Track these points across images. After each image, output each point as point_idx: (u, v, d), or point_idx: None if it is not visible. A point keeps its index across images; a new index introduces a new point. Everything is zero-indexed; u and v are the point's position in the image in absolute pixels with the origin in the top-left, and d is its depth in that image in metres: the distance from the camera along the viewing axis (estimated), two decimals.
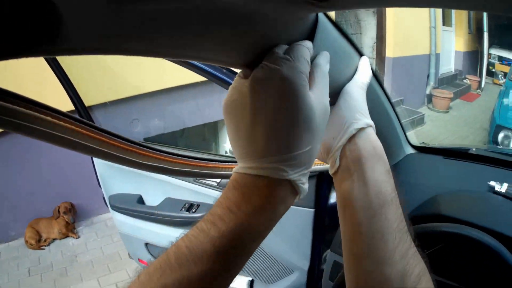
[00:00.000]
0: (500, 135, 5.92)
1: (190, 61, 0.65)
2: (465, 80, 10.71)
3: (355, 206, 0.64)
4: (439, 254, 1.15)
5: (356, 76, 0.79)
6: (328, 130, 0.69)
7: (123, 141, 0.71)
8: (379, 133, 1.27)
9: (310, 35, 0.65)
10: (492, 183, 1.42)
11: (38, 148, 4.39)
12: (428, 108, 9.17)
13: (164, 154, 0.83)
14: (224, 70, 1.59)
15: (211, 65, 1.56)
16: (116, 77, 4.28)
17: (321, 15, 0.66)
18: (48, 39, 0.42)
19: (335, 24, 0.74)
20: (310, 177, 1.57)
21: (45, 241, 4.62)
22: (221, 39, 0.57)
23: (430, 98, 9.27)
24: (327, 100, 0.60)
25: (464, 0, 0.47)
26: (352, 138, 0.68)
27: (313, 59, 0.63)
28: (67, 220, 4.63)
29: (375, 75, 1.08)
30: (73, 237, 4.71)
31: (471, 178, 1.58)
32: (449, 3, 0.49)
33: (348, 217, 0.66)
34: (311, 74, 0.60)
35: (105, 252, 4.45)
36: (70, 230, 4.71)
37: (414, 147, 1.71)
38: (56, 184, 4.70)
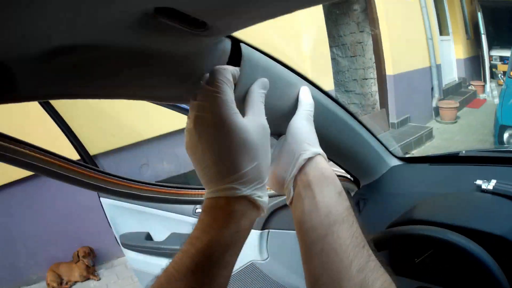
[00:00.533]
0: (506, 135, 5.89)
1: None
2: (470, 87, 10.65)
3: (307, 228, 0.69)
4: (422, 259, 1.18)
5: (299, 108, 0.84)
6: (279, 165, 0.78)
7: (89, 170, 0.80)
8: (351, 153, 1.30)
9: (234, 64, 0.71)
10: (478, 181, 1.38)
11: (53, 195, 4.50)
12: (436, 121, 9.01)
13: (133, 182, 0.92)
14: None
15: None
16: (120, 123, 4.34)
17: (243, 46, 0.73)
18: (6, 91, 0.54)
19: (264, 53, 0.80)
20: None
21: (66, 283, 4.68)
22: (141, 78, 0.67)
23: (437, 110, 9.11)
24: (263, 119, 0.68)
25: None
26: (302, 168, 0.74)
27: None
28: (86, 263, 4.69)
29: (331, 98, 1.11)
30: (94, 279, 4.77)
31: (458, 180, 1.54)
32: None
33: (302, 239, 0.70)
34: (246, 98, 0.70)
35: None
36: (91, 273, 4.77)
37: (399, 158, 1.68)
38: (73, 229, 4.78)
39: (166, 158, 5.02)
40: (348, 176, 1.58)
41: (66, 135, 2.11)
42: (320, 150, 0.77)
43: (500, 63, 10.59)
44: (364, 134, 1.36)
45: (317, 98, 0.93)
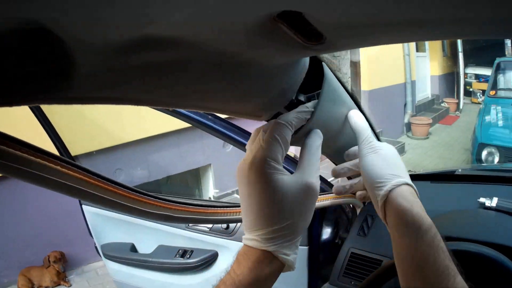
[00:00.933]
0: (484, 153, 6.01)
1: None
2: (442, 104, 10.84)
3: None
4: None
5: (361, 138, 0.83)
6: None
7: (128, 190, 0.72)
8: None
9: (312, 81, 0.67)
10: (482, 199, 1.47)
11: (26, 196, 4.39)
12: (408, 136, 9.23)
13: (167, 202, 0.85)
14: (210, 117, 1.61)
15: (196, 112, 1.58)
16: (97, 126, 4.29)
17: (325, 66, 0.70)
18: (57, 86, 0.43)
19: (335, 74, 0.77)
20: None
21: None
22: (218, 89, 0.60)
23: (409, 126, 9.34)
24: (312, 178, 0.66)
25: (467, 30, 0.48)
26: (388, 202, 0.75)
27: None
28: (57, 269, 4.60)
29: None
30: (65, 286, 4.68)
31: (460, 198, 1.61)
32: (449, 34, 0.50)
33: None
34: (301, 151, 0.70)
35: None
36: (61, 278, 4.68)
37: None
38: (46, 233, 4.68)
39: (140, 164, 4.96)
40: None
41: (49, 134, 2.03)
42: (400, 181, 0.76)
43: (475, 81, 10.81)
44: None
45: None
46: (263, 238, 0.62)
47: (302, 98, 0.76)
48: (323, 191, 1.59)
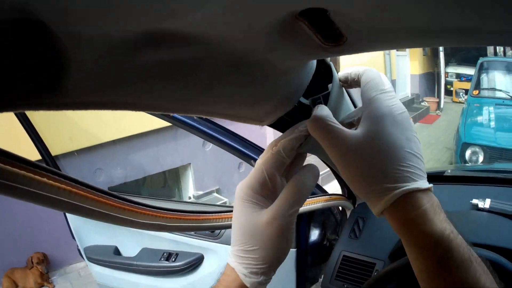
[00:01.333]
0: (468, 152, 6.03)
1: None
2: (423, 103, 10.92)
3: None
4: None
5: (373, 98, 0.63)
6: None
7: (119, 200, 0.68)
8: None
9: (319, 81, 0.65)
10: (474, 201, 1.46)
11: (5, 197, 4.26)
12: None
13: (160, 211, 0.81)
14: (195, 117, 1.59)
15: None
16: (76, 126, 4.26)
17: (332, 68, 0.68)
18: (49, 90, 0.39)
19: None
20: None
21: None
22: (227, 93, 0.58)
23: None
24: (283, 219, 0.63)
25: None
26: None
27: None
28: (40, 270, 4.54)
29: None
30: (49, 287, 4.62)
31: (452, 199, 1.60)
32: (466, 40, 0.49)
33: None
34: (288, 183, 0.66)
35: None
36: (45, 280, 4.61)
37: None
38: (27, 234, 4.60)
39: (120, 164, 4.92)
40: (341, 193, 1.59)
41: (29, 134, 1.99)
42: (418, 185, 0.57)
43: (456, 80, 10.90)
44: None
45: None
46: (232, 254, 0.65)
47: (306, 101, 0.73)
48: (313, 193, 1.58)
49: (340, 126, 0.59)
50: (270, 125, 0.79)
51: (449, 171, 1.87)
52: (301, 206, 0.65)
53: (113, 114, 4.37)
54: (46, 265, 4.62)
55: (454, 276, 0.54)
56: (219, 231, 1.88)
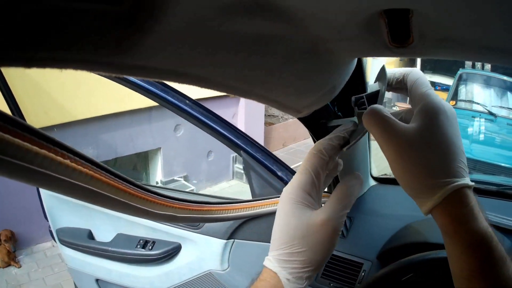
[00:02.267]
0: None
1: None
2: (394, 108, 11.07)
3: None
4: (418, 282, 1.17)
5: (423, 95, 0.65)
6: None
7: (136, 188, 0.64)
8: (350, 167, 1.30)
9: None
10: None
11: None
12: None
13: (171, 200, 0.78)
14: (187, 101, 1.56)
15: (160, 87, 1.54)
16: (51, 100, 4.18)
17: (383, 66, 0.71)
18: (127, 46, 0.34)
19: None
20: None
21: None
22: (290, 78, 0.58)
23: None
24: (334, 220, 0.63)
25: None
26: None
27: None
28: (8, 248, 4.46)
29: None
30: (15, 266, 4.54)
31: None
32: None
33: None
34: (337, 187, 0.67)
35: (48, 283, 4.32)
36: (12, 259, 4.53)
37: (375, 178, 1.75)
38: None
39: (91, 144, 4.86)
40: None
41: (8, 103, 1.95)
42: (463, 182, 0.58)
43: None
44: (362, 148, 1.41)
45: None
46: (274, 258, 0.64)
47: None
48: None
49: (397, 120, 0.59)
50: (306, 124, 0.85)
51: None
52: (349, 210, 0.65)
53: (88, 91, 4.30)
54: (14, 243, 4.55)
55: (495, 274, 0.56)
56: None
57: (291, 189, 0.65)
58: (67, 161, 0.42)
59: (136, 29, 0.32)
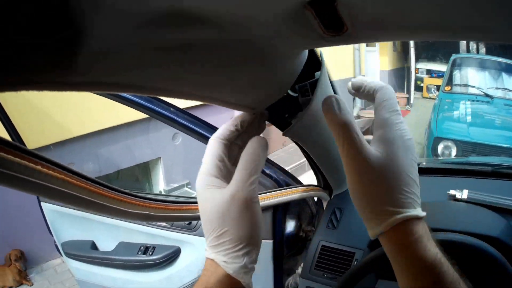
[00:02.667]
0: (440, 147, 6.09)
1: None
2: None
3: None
4: None
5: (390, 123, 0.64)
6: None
7: (111, 190, 0.69)
8: (337, 160, 1.30)
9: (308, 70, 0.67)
10: (452, 191, 1.48)
11: None
12: None
13: (146, 200, 0.82)
14: (171, 109, 1.60)
15: (148, 100, 1.58)
16: (47, 119, 4.19)
17: (321, 54, 0.69)
18: (62, 67, 0.38)
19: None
20: (266, 209, 1.60)
21: None
22: (232, 76, 0.60)
23: (358, 119, 9.51)
24: (242, 191, 0.63)
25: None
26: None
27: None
28: (19, 267, 4.48)
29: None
30: (28, 285, 4.56)
31: (429, 190, 1.60)
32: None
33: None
34: (239, 160, 0.67)
35: None
36: (23, 277, 4.55)
37: None
38: (2, 230, 4.52)
39: (91, 158, 4.87)
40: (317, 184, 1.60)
41: (5, 126, 1.97)
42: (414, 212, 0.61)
43: (426, 76, 11.02)
44: None
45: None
46: (208, 247, 0.65)
47: (291, 93, 0.75)
48: (288, 185, 1.60)
49: (365, 142, 0.60)
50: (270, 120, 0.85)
51: (424, 163, 1.89)
52: (258, 174, 0.65)
53: (84, 107, 4.32)
54: (24, 262, 4.57)
55: None
56: (195, 223, 1.89)
57: (198, 179, 0.67)
58: (39, 167, 0.48)
59: (67, 53, 0.37)
